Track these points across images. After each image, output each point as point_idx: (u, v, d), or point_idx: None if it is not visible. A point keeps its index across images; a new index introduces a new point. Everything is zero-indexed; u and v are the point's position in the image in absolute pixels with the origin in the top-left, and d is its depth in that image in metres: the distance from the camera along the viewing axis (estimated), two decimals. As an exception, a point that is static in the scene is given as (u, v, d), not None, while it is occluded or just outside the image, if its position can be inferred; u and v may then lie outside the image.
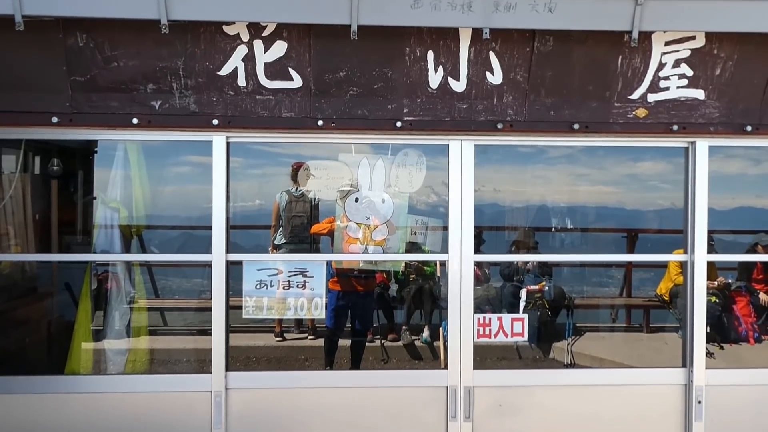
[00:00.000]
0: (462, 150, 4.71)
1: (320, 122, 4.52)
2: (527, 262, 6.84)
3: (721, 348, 6.43)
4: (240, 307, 4.76)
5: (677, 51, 4.46)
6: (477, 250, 6.70)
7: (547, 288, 6.87)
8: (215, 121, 4.50)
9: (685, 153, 4.86)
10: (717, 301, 6.97)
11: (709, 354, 5.68)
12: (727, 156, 5.25)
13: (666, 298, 7.26)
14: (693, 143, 4.78)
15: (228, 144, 4.66)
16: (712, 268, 7.09)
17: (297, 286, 4.75)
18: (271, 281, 4.73)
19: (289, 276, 4.75)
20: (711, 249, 5.96)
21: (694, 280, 4.79)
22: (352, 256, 5.06)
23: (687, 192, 4.85)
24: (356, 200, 4.97)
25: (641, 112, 4.59)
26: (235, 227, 6.58)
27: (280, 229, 6.00)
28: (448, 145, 4.73)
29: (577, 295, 7.94)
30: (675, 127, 4.61)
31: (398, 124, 4.53)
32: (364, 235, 4.92)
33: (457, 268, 4.71)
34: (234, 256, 4.71)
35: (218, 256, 4.61)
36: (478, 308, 6.49)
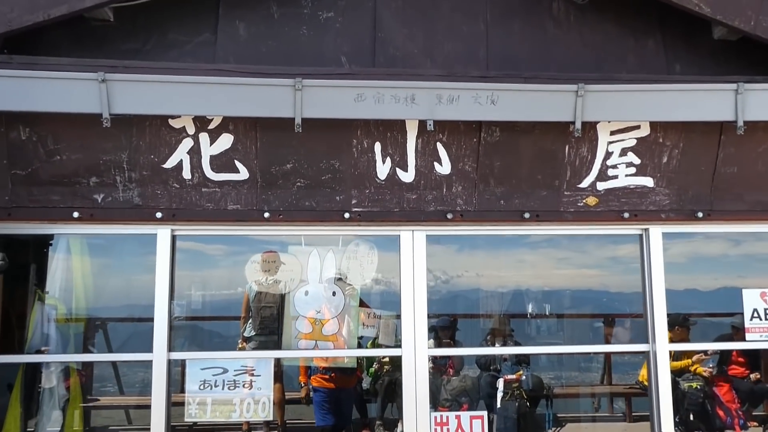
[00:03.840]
0: (413, 240, 4.62)
1: (267, 214, 4.44)
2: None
3: (707, 437, 6.16)
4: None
5: (623, 140, 4.50)
6: (452, 338, 6.60)
7: (524, 377, 6.48)
8: (159, 214, 4.40)
9: (639, 240, 4.82)
10: (699, 387, 6.63)
11: (695, 444, 5.45)
12: (706, 237, 5.24)
13: (647, 385, 7.00)
14: (646, 230, 4.74)
15: (174, 237, 4.55)
16: (692, 354, 6.87)
17: (243, 385, 4.50)
18: (216, 381, 4.49)
19: (235, 375, 4.51)
20: (689, 330, 5.84)
21: (657, 371, 4.62)
22: (301, 353, 4.84)
23: (644, 279, 4.77)
24: (306, 293, 4.81)
25: (592, 201, 4.57)
26: (204, 318, 6.41)
27: (250, 320, 5.77)
28: (399, 235, 4.64)
29: (557, 383, 7.70)
30: (626, 215, 4.59)
31: (346, 215, 4.46)
32: (314, 331, 4.73)
33: (411, 364, 4.51)
34: (176, 355, 4.49)
35: (159, 355, 4.38)
36: (455, 400, 6.20)
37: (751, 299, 4.79)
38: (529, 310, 7.73)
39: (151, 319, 4.42)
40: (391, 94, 4.05)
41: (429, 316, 7.18)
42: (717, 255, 5.88)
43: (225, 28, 4.66)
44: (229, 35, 4.66)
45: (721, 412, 6.72)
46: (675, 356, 6.85)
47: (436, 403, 6.04)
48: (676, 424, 4.80)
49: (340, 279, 4.89)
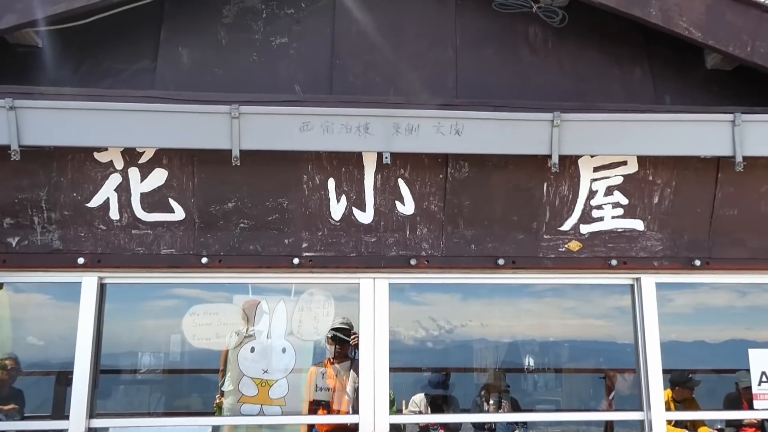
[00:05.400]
0: (375, 289, 4.07)
1: (205, 259, 3.90)
2: (499, 408, 6.09)
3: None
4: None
5: (608, 177, 4.01)
6: (443, 401, 6.01)
7: None
8: (81, 260, 3.87)
9: (630, 290, 4.26)
10: None
11: None
12: (712, 288, 4.76)
13: None
14: (638, 280, 4.18)
15: (102, 286, 4.00)
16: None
17: (175, 459, 3.88)
18: (143, 453, 3.87)
19: (165, 446, 3.89)
20: (692, 391, 5.26)
21: (654, 445, 3.98)
22: (244, 420, 4.20)
23: (636, 336, 4.19)
24: (252, 350, 4.21)
25: (574, 246, 4.04)
26: (183, 371, 5.77)
27: (228, 374, 5.14)
28: (358, 283, 4.09)
29: None
30: (614, 262, 4.04)
31: (296, 261, 3.93)
32: (260, 393, 4.12)
33: (370, 433, 3.90)
34: (98, 422, 3.88)
35: (77, 423, 3.79)
36: None
37: (759, 360, 4.18)
38: (526, 364, 7.45)
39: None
40: (342, 122, 3.57)
41: (422, 370, 6.85)
42: (723, 306, 5.40)
43: (166, 54, 4.23)
44: (170, 62, 4.23)
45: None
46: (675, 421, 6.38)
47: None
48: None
49: (291, 333, 4.28)
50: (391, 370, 3.83)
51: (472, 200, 3.96)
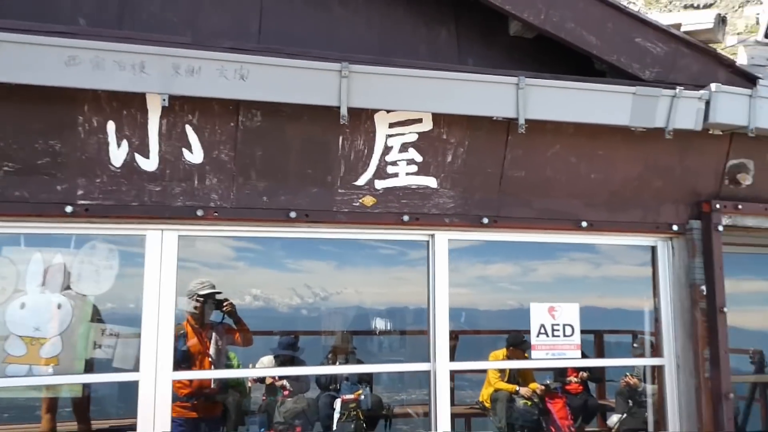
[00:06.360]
0: (163, 242, 3.87)
1: (-39, 205, 3.52)
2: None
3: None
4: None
5: (403, 134, 4.05)
6: (291, 362, 6.17)
7: (363, 397, 6.47)
8: None
9: (426, 247, 4.37)
10: (531, 404, 6.84)
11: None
12: (570, 260, 5.25)
13: (487, 405, 7.02)
14: (432, 236, 4.30)
15: None
16: (528, 373, 6.98)
17: None
18: None
19: None
20: (525, 348, 5.59)
21: (437, 394, 4.13)
22: (9, 381, 3.85)
23: (429, 291, 4.30)
24: (22, 306, 3.87)
25: (368, 201, 4.06)
26: None
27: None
28: (145, 236, 3.87)
29: (397, 404, 7.52)
30: (406, 218, 4.11)
31: (69, 209, 3.63)
32: (29, 352, 3.80)
33: (150, 391, 3.73)
34: None
35: None
36: (289, 424, 6.08)
37: (538, 314, 4.45)
38: (375, 326, 7.80)
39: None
40: (114, 59, 3.31)
41: (273, 333, 6.85)
42: (579, 276, 5.82)
43: (-74, -25, 3.72)
44: (-70, -18, 3.72)
45: (553, 429, 6.79)
46: (509, 377, 6.87)
47: (270, 426, 5.98)
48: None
49: (68, 288, 3.99)
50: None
51: (264, 151, 3.85)
